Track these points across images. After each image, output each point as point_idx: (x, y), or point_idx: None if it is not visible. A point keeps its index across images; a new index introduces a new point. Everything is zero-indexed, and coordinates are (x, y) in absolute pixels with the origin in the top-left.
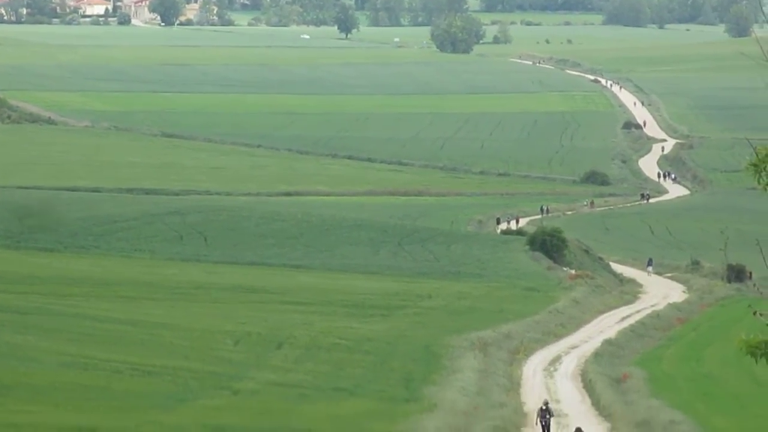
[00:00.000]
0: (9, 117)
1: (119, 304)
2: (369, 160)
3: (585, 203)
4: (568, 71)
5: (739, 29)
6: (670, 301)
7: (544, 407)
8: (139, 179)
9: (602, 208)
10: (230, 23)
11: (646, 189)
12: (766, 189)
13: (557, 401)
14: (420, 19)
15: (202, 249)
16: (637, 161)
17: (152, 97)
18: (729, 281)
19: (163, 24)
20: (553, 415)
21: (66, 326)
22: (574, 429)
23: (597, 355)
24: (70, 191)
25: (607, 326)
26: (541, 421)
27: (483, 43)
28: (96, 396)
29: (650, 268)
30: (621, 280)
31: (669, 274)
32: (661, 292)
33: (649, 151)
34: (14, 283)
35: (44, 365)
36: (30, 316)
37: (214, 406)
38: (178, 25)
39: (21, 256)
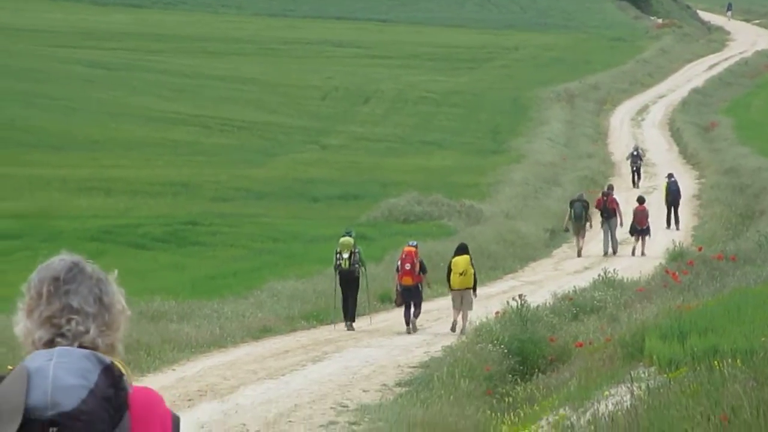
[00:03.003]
0: None
1: (207, 60)
2: None
3: None
4: None
5: None
6: (759, 48)
7: (634, 152)
8: None
9: None
10: None
11: None
12: None
13: (645, 150)
14: None
15: (289, 3)
16: None
17: None
18: None
19: None
20: (643, 159)
21: (154, 82)
22: (666, 174)
23: (685, 104)
24: None
25: (694, 75)
26: (632, 165)
27: None
28: (186, 151)
29: (729, 13)
30: (709, 27)
31: (757, 21)
32: (749, 39)
33: None
34: (102, 39)
35: (134, 120)
36: (118, 72)
37: (303, 161)
38: None
39: (108, 12)
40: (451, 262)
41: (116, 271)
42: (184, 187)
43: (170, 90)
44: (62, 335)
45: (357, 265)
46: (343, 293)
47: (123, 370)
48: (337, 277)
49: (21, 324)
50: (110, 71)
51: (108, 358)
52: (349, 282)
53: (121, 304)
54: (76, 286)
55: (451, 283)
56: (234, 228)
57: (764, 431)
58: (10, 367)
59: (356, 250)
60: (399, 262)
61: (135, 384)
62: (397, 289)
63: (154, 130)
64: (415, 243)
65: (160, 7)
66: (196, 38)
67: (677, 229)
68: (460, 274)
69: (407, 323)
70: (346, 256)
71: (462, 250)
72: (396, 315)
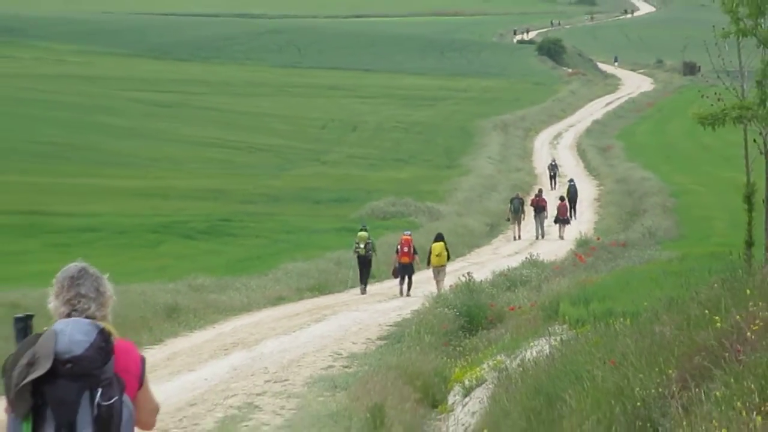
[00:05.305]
0: None
1: (236, 99)
2: None
3: (586, 17)
4: None
5: None
6: (642, 91)
7: (552, 163)
8: (247, 6)
9: (593, 23)
10: None
11: (627, 6)
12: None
13: (559, 166)
14: None
15: (297, 58)
16: None
17: None
18: (684, 74)
19: None
20: (559, 169)
21: (197, 116)
22: (568, 179)
23: (588, 131)
24: (194, 16)
25: (595, 110)
26: (550, 172)
27: None
28: (221, 166)
29: (616, 63)
30: (605, 75)
31: (642, 70)
32: (635, 83)
33: None
34: (158, 84)
35: (182, 144)
36: (171, 109)
37: (307, 174)
38: None
39: (163, 65)
40: (431, 247)
41: (108, 273)
42: (220, 193)
43: (209, 122)
44: (76, 310)
45: (370, 252)
46: (360, 270)
47: (111, 331)
48: (356, 259)
49: (52, 303)
50: (164, 108)
51: (101, 324)
52: (364, 263)
53: (109, 291)
54: (83, 281)
55: (430, 261)
56: (257, 223)
57: (644, 371)
58: (45, 328)
59: (369, 241)
60: (399, 246)
61: (128, 339)
62: (395, 266)
63: (197, 151)
64: (409, 232)
65: (200, 60)
66: (227, 83)
67: (574, 219)
68: (437, 255)
69: (401, 289)
70: (362, 245)
71: (438, 237)
72: (381, 287)
